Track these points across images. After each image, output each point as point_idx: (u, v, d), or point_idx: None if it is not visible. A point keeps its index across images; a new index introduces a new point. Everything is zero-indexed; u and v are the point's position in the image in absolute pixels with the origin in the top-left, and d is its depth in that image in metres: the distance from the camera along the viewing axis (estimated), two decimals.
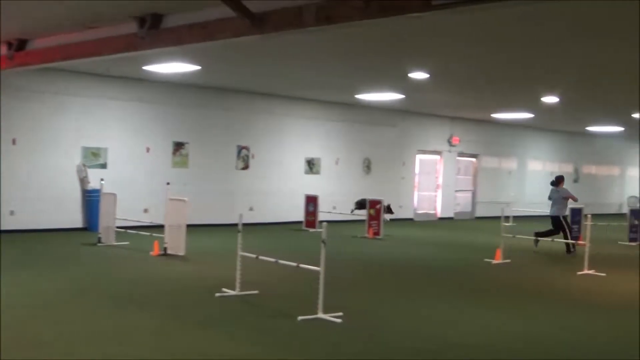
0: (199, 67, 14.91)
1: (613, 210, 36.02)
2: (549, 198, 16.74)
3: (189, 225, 13.76)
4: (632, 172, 38.13)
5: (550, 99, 18.58)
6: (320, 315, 8.38)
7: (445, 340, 7.72)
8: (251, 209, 20.29)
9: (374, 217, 18.71)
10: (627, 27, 9.80)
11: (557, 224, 16.40)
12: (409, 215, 25.57)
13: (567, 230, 16.36)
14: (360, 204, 20.34)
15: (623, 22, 9.52)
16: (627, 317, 9.50)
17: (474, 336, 8.02)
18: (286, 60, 14.22)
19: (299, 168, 22.04)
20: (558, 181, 16.86)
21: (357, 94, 19.41)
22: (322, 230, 8.45)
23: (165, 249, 13.49)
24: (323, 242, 8.40)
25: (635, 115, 22.36)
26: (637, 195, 36.90)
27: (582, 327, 8.80)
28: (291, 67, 15.24)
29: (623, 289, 11.92)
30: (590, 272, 13.22)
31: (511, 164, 30.45)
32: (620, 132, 30.58)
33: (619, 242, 19.54)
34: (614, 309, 10.09)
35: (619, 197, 37.12)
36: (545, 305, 10.10)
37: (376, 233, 18.52)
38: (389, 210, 20.01)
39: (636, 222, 19.83)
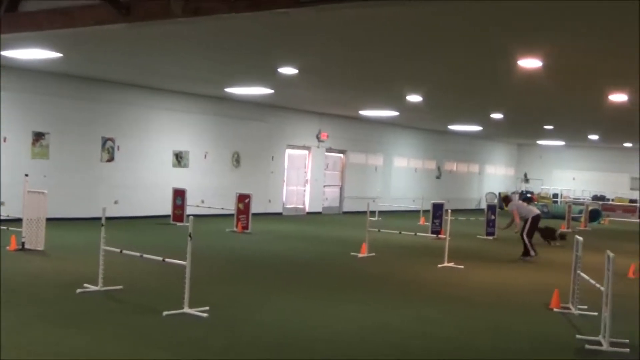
0: (60, 55, 14.34)
1: (473, 205, 37.76)
2: None
3: (49, 219, 13.23)
4: (490, 169, 40.11)
5: (415, 98, 19.20)
6: (187, 310, 8.30)
7: (308, 334, 7.84)
8: (116, 202, 19.75)
9: (243, 211, 18.68)
10: (484, 35, 10.32)
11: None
12: (278, 209, 25.72)
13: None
14: None
15: (480, 29, 10.00)
16: (480, 307, 10.01)
17: (337, 328, 8.19)
18: (154, 51, 13.93)
19: (167, 161, 21.65)
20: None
21: (227, 87, 19.31)
22: (189, 224, 8.37)
23: (23, 243, 12.89)
24: (189, 236, 8.32)
25: (494, 116, 23.51)
26: (495, 192, 38.90)
27: (437, 317, 9.17)
28: (159, 58, 14.94)
29: (478, 280, 12.54)
30: (450, 264, 13.81)
31: (377, 160, 31.25)
32: (479, 131, 32.07)
33: (477, 236, 20.51)
34: (469, 299, 10.59)
35: (478, 193, 38.92)
36: (406, 297, 10.46)
37: (245, 227, 18.50)
38: (561, 237, 19.52)
39: (493, 217, 20.86)
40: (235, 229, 18.51)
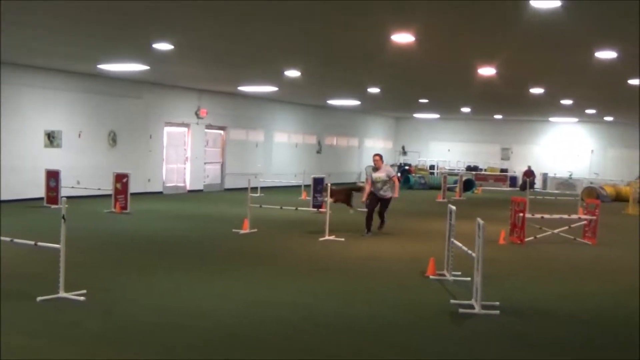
0: None
1: (353, 179, 38.39)
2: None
3: None
4: (369, 143, 40.88)
5: (293, 73, 19.25)
6: (62, 294, 8.04)
7: (191, 312, 7.78)
8: None
9: (121, 191, 18.22)
10: (357, 9, 10.42)
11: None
12: (158, 188, 25.25)
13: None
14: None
15: (353, 4, 10.10)
16: (359, 278, 10.24)
17: (221, 305, 8.17)
18: (21, 25, 13.23)
19: (38, 141, 20.73)
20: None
21: (100, 64, 18.66)
22: (62, 206, 8.08)
23: None
24: (63, 218, 8.04)
25: (371, 90, 23.93)
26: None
27: (319, 289, 9.32)
28: (27, 33, 14.20)
29: (358, 251, 12.81)
30: (331, 237, 14.03)
31: (258, 136, 31.20)
32: (357, 106, 32.59)
33: (358, 209, 20.87)
34: (349, 270, 10.81)
35: (358, 167, 39.60)
36: (288, 271, 10.56)
37: (123, 207, 18.05)
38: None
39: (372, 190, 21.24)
40: (113, 210, 18.03)
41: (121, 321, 7.29)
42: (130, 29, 13.12)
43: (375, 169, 15.24)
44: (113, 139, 23.24)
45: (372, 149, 40.97)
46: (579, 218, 15.69)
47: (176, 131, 26.38)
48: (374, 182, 15.00)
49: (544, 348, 6.90)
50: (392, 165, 41.60)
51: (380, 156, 15.54)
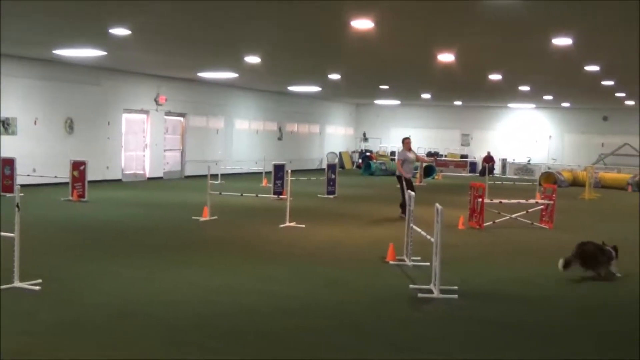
0: None
1: (315, 165, 38.42)
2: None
3: None
4: (330, 129, 40.91)
5: (253, 60, 19.12)
6: (17, 284, 7.91)
7: (151, 300, 7.71)
8: None
9: (78, 179, 17.95)
10: None
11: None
12: (117, 176, 24.94)
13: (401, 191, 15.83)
14: None
15: None
16: (320, 264, 10.25)
17: (182, 293, 8.12)
18: None
19: None
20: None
21: (56, 49, 18.31)
22: (17, 194, 7.94)
23: None
24: (17, 206, 7.90)
25: (331, 76, 23.90)
26: (335, 152, 39.79)
27: (280, 275, 9.31)
28: None
29: (319, 238, 12.82)
30: (292, 224, 14.02)
31: (219, 123, 30.99)
32: (318, 92, 32.54)
33: (318, 195, 20.91)
34: (310, 257, 10.82)
35: (319, 153, 39.62)
36: (249, 258, 10.52)
37: (81, 195, 17.80)
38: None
39: (333, 177, 21.34)
40: (70, 198, 17.76)
41: (77, 311, 7.20)
42: (86, 14, 12.87)
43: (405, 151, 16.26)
44: (70, 126, 22.86)
45: (333, 136, 41.13)
46: (537, 203, 15.91)
47: (135, 118, 26.06)
48: (409, 163, 16.03)
49: (500, 330, 6.99)
50: (353, 152, 41.92)
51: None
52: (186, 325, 6.78)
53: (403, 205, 15.28)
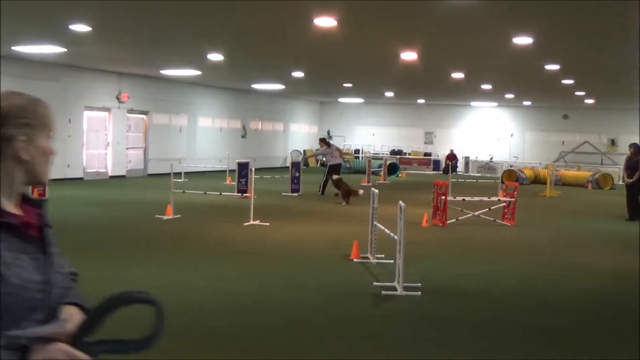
0: None
1: (279, 163, 38.34)
2: None
3: None
4: (294, 127, 40.88)
5: (216, 57, 19.01)
6: None
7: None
8: None
9: None
10: None
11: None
12: (79, 174, 24.61)
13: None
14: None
15: None
16: (283, 262, 10.22)
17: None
18: None
19: None
20: None
21: (13, 46, 17.99)
22: None
23: None
24: None
25: (295, 74, 23.87)
26: (300, 149, 39.76)
27: (240, 274, 9.25)
28: None
29: (282, 236, 12.79)
30: (256, 222, 13.96)
31: (182, 120, 30.76)
32: (282, 90, 32.49)
33: (283, 193, 20.87)
34: (272, 255, 10.78)
35: (283, 151, 39.56)
36: (210, 256, 10.44)
37: (41, 194, 17.50)
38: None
39: (297, 174, 21.32)
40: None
41: None
42: (45, 9, 12.67)
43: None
44: None
45: (297, 134, 41.11)
46: (499, 200, 16.08)
47: (97, 115, 25.74)
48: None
49: (462, 326, 7.04)
50: (317, 150, 41.92)
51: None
52: (137, 324, 6.67)
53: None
